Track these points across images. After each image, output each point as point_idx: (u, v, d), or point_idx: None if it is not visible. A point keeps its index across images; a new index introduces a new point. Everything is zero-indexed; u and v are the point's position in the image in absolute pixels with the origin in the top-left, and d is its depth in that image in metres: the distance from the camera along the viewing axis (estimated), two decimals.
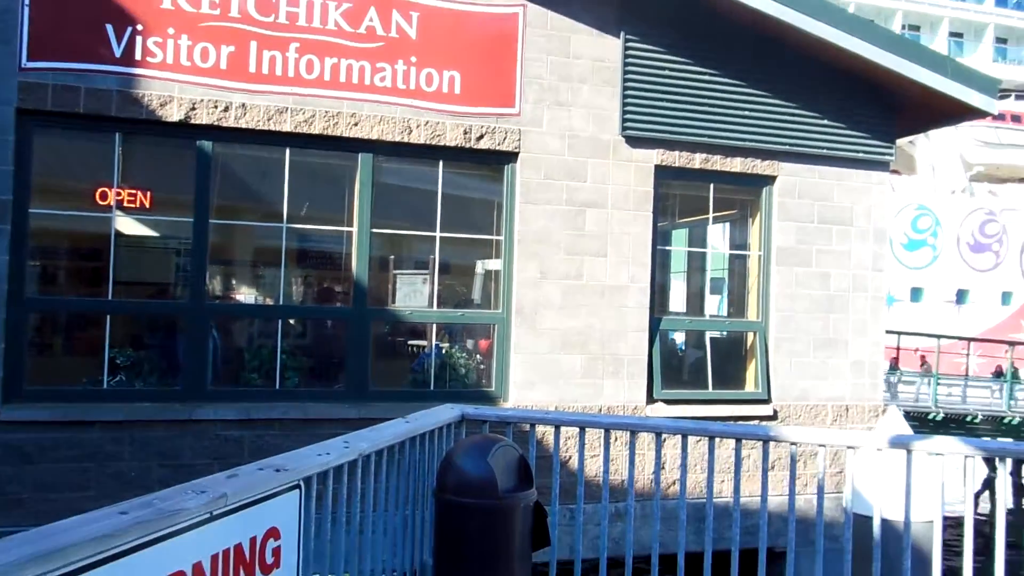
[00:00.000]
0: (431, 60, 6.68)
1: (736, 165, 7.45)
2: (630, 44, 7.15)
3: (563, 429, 4.73)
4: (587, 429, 4.30)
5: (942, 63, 7.31)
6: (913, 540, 3.88)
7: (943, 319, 34.52)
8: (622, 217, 7.14)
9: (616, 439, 6.72)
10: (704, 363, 7.73)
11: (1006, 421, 22.36)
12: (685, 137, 7.28)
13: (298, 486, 2.78)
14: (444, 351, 7.24)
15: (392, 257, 7.43)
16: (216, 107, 6.19)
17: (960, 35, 40.17)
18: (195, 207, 6.28)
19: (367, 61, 6.53)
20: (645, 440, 6.47)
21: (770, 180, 7.61)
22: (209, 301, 6.58)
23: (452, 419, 4.30)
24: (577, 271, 7.05)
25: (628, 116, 7.13)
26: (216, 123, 6.20)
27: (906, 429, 4.82)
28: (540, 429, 4.93)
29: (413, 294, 7.36)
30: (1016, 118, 38.63)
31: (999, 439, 22.04)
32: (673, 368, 7.97)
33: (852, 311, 7.75)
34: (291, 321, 7.07)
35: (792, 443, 3.96)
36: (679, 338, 8.49)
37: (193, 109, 6.15)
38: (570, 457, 6.62)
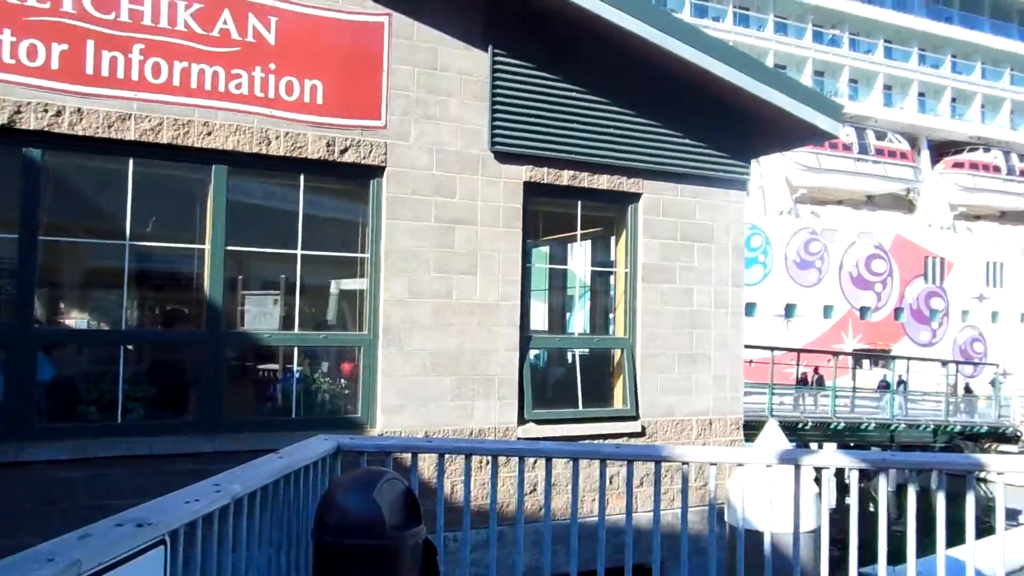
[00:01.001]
0: (291, 68, 6.30)
1: (603, 182, 7.47)
2: (498, 58, 7.03)
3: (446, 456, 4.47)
4: (473, 456, 4.07)
5: (794, 87, 7.64)
6: (780, 549, 3.91)
7: (774, 332, 36.69)
8: (492, 234, 6.99)
9: (482, 466, 6.54)
10: (573, 381, 7.68)
11: (832, 427, 23.97)
12: (554, 154, 7.23)
13: (163, 541, 2.39)
14: (305, 376, 6.80)
15: (248, 277, 6.94)
16: (46, 111, 5.55)
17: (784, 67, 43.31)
18: (21, 222, 5.58)
19: (221, 66, 6.06)
20: (513, 462, 6.32)
21: (635, 198, 7.67)
22: (36, 326, 5.88)
23: (327, 451, 3.96)
24: (447, 289, 6.82)
25: (497, 131, 7.00)
26: (46, 128, 5.55)
27: (785, 442, 4.90)
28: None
29: (268, 316, 6.90)
30: (834, 145, 41.69)
31: (826, 443, 23.58)
32: (543, 387, 7.88)
33: (714, 326, 7.92)
34: (133, 347, 6.44)
35: (683, 463, 3.89)
36: (549, 357, 8.43)
37: (18, 113, 5.48)
38: (455, 487, 6.37)
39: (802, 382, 26.09)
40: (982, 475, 4.13)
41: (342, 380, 7.00)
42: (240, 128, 6.11)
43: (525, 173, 7.15)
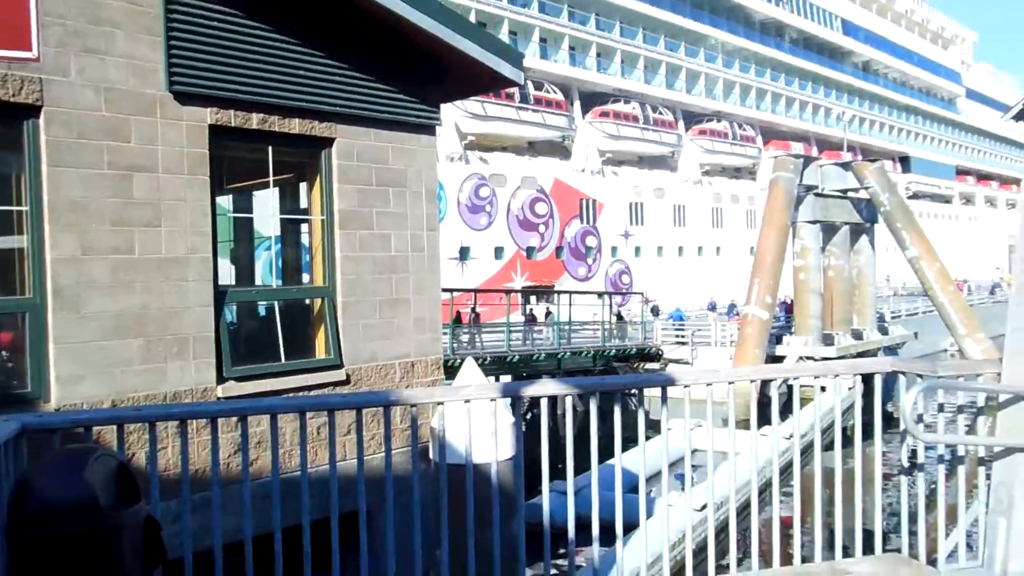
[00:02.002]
0: None
1: (295, 126, 7.17)
2: None
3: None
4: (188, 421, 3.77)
5: (479, 34, 7.85)
6: (482, 478, 4.16)
7: (450, 275, 38.20)
8: (177, 182, 6.42)
9: (199, 429, 6.11)
10: (274, 334, 7.39)
11: (507, 359, 25.68)
12: (241, 96, 6.77)
13: None
14: None
15: None
16: None
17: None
18: None
19: None
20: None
21: (329, 142, 7.47)
22: None
23: (7, 434, 3.43)
24: (128, 244, 6.17)
25: (176, 70, 6.39)
26: None
27: (482, 377, 5.14)
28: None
29: None
30: (498, 94, 43.78)
31: (502, 375, 25.22)
32: (242, 343, 7.49)
33: (412, 270, 8.04)
34: None
35: (412, 405, 3.93)
36: (247, 310, 8.02)
37: None
38: (168, 459, 5.87)
39: (456, 321, 27.47)
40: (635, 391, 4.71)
41: (2, 352, 6.11)
42: None
43: (210, 116, 6.64)
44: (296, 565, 3.74)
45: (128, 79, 6.18)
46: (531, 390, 4.01)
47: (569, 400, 4.11)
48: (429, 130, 8.19)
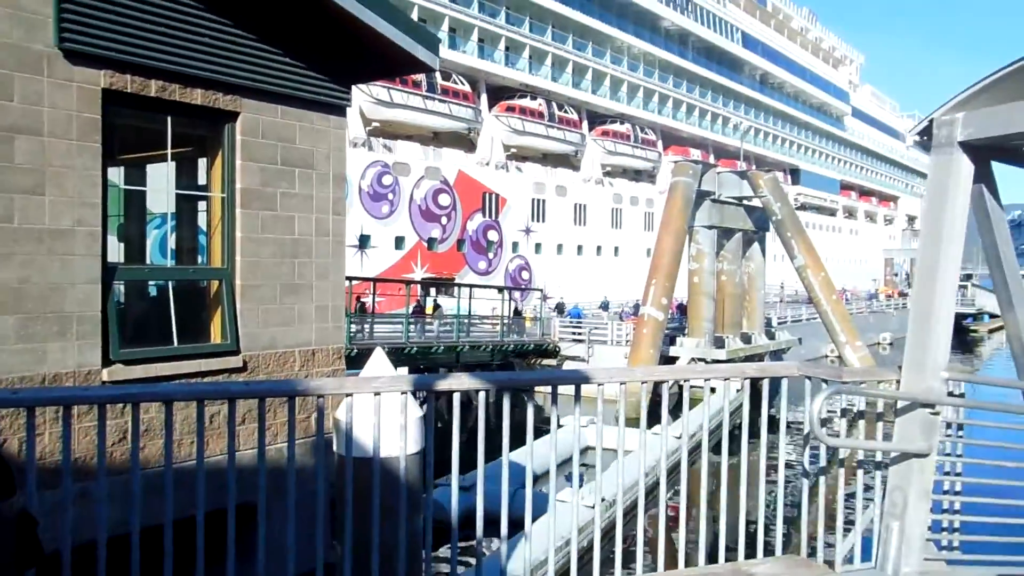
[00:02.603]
0: None
1: (197, 97, 6.77)
2: None
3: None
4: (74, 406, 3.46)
5: (396, 15, 7.59)
6: (389, 472, 4.03)
7: (349, 263, 37.48)
8: (64, 148, 5.96)
9: (81, 416, 5.68)
10: (167, 316, 6.98)
11: (405, 351, 25.37)
12: (140, 60, 6.33)
13: None
14: None
15: None
16: None
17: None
18: None
19: None
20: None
21: (233, 116, 7.09)
22: None
23: None
24: (7, 212, 5.68)
25: (67, 25, 5.91)
26: None
27: (391, 368, 4.96)
28: None
29: None
30: (404, 81, 43.25)
31: (399, 367, 24.90)
32: (132, 324, 7.05)
33: (316, 255, 7.74)
34: None
35: (320, 396, 3.72)
36: (137, 290, 7.55)
37: None
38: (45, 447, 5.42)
39: (361, 310, 27.07)
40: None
41: None
42: None
43: (104, 79, 6.18)
44: (188, 561, 3.49)
45: (12, 31, 5.68)
46: (445, 384, 3.87)
47: (483, 396, 3.99)
48: (339, 111, 7.90)
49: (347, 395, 3.77)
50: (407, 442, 3.96)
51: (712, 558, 4.62)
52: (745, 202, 32.75)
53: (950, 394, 4.51)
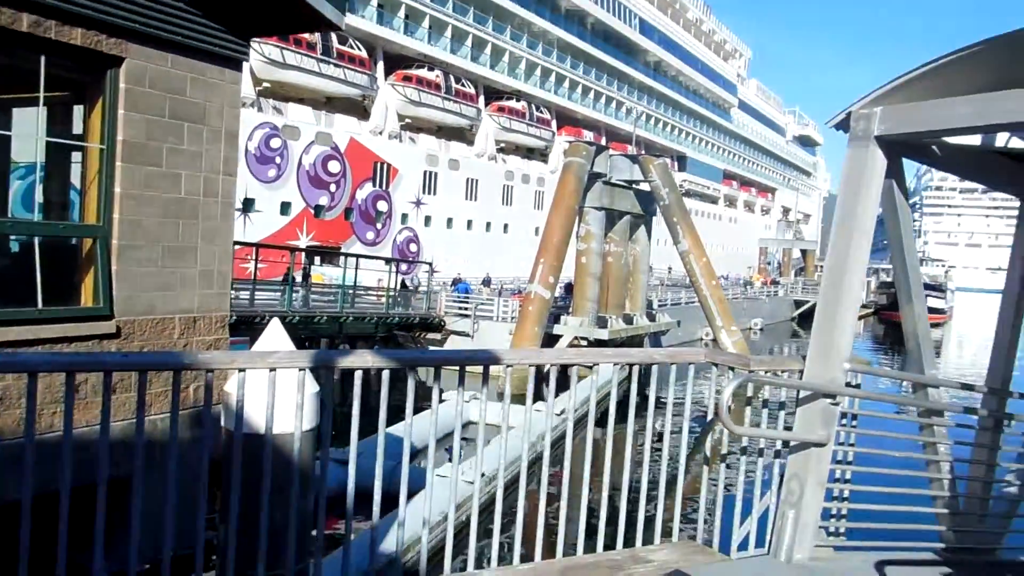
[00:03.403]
0: None
1: (76, 37, 6.19)
2: None
3: None
4: None
5: None
6: (281, 449, 3.81)
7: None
8: None
9: None
10: (31, 276, 6.38)
11: (288, 320, 24.62)
12: None
13: None
14: None
15: None
16: None
17: None
18: None
19: None
20: None
21: (117, 62, 6.53)
22: None
23: None
24: None
25: None
26: None
27: (289, 342, 4.68)
28: None
29: None
30: (298, 42, 41.80)
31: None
32: None
33: (203, 217, 7.27)
34: None
35: (209, 370, 3.42)
36: None
37: None
38: None
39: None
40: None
41: None
42: None
43: None
44: (50, 540, 3.15)
45: None
46: (346, 361, 3.63)
47: (386, 374, 3.78)
48: (235, 64, 7.41)
49: (240, 371, 3.48)
50: (302, 420, 3.72)
51: (610, 545, 4.58)
52: (635, 186, 33.31)
53: (848, 384, 4.60)
